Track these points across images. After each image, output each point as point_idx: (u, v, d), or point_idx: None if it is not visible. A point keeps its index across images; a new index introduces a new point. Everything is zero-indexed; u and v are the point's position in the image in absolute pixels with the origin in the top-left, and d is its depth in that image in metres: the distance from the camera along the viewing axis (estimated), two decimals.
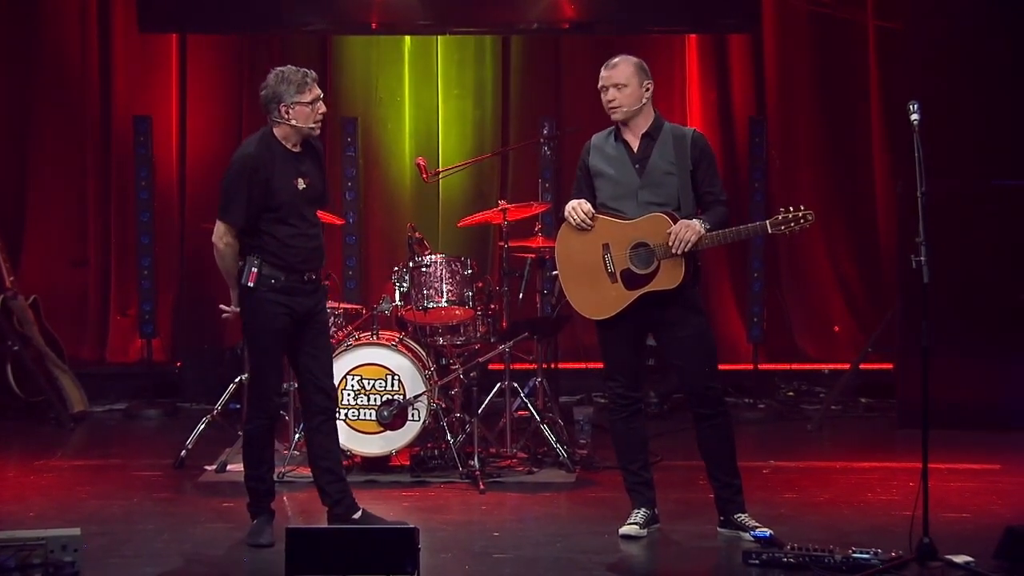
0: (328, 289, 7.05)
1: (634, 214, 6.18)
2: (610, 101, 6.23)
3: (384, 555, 5.39)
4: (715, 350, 6.40)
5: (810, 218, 6.07)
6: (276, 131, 6.24)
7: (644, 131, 6.24)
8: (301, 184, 6.24)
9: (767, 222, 6.12)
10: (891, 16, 9.79)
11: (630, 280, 6.19)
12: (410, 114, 10.47)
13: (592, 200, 6.29)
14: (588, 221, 6.21)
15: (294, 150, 6.25)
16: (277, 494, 6.51)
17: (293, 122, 6.19)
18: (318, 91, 6.24)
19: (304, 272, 6.26)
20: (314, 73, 6.27)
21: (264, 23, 9.98)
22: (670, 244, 6.08)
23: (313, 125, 6.25)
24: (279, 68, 6.27)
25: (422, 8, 9.89)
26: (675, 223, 6.09)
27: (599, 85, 6.28)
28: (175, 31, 10.30)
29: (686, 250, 6.08)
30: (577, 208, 6.23)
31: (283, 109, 6.18)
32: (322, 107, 6.26)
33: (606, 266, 6.22)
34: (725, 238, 6.17)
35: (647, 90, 6.22)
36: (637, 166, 6.22)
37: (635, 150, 6.24)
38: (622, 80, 6.20)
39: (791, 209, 6.09)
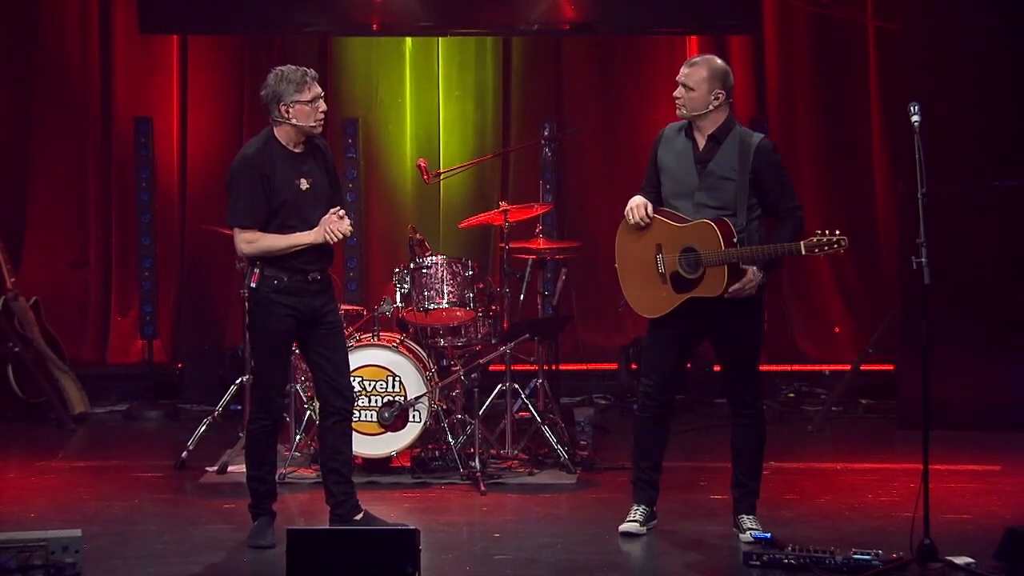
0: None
1: (690, 215, 6.20)
2: (677, 98, 6.28)
3: (385, 556, 5.39)
4: (758, 361, 6.40)
5: (844, 243, 6.04)
6: (277, 131, 6.24)
7: (711, 132, 6.24)
8: (304, 184, 6.22)
9: (801, 243, 6.06)
10: (891, 16, 9.79)
11: (678, 283, 6.20)
12: (411, 115, 10.47)
13: (659, 191, 6.33)
14: (644, 222, 6.25)
15: (296, 151, 6.24)
16: (279, 495, 6.49)
17: (294, 121, 6.18)
18: (318, 89, 6.22)
19: (308, 272, 6.23)
20: (314, 71, 6.25)
21: (265, 24, 9.97)
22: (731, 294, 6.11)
23: (314, 124, 6.22)
24: (279, 67, 6.25)
25: (423, 9, 9.88)
26: (720, 232, 6.07)
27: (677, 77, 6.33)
28: (176, 32, 10.30)
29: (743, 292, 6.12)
30: (635, 210, 6.26)
31: (283, 108, 6.17)
32: (323, 105, 6.24)
33: (657, 266, 6.25)
34: (754, 256, 6.10)
35: (716, 98, 6.19)
36: (699, 166, 6.23)
37: (700, 149, 6.26)
38: (692, 83, 6.21)
39: (826, 233, 6.06)
